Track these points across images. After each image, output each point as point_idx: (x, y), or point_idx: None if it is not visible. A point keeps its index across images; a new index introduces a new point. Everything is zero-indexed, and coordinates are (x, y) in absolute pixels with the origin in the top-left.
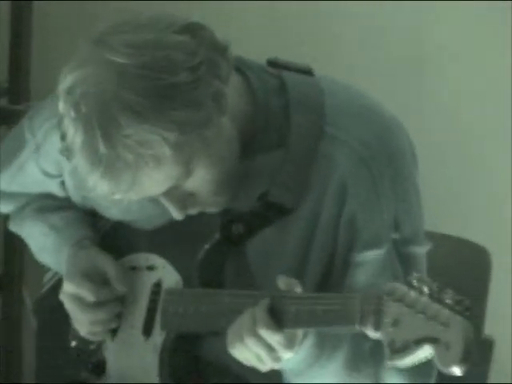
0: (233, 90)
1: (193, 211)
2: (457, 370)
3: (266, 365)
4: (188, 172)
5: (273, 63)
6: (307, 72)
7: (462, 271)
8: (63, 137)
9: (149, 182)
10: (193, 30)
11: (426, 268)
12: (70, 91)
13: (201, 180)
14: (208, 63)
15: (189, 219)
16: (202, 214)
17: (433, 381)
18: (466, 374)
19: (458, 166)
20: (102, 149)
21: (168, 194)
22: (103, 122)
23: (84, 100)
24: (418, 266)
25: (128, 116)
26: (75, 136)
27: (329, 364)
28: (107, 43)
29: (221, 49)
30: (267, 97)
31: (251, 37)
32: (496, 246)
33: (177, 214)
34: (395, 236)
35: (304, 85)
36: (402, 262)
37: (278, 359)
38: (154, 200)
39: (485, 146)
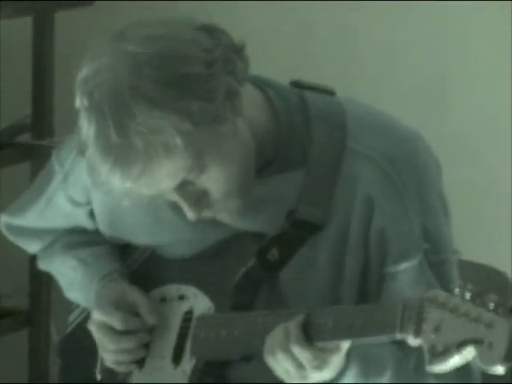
0: (252, 103)
1: (207, 213)
2: (500, 369)
3: (293, 381)
4: (200, 167)
5: (295, 84)
6: (329, 92)
7: None
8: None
9: (159, 171)
10: (210, 29)
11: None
12: (84, 81)
13: (214, 179)
14: (223, 61)
15: (221, 246)
16: (234, 241)
17: None
18: None
19: (477, 189)
20: (114, 136)
21: (181, 190)
22: (115, 108)
23: (97, 88)
24: (451, 274)
25: (140, 103)
26: (89, 126)
27: None
28: (123, 35)
29: (237, 49)
30: (288, 114)
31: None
32: None
33: (191, 213)
34: (425, 246)
35: (325, 103)
36: (435, 271)
37: (305, 378)
38: (180, 217)
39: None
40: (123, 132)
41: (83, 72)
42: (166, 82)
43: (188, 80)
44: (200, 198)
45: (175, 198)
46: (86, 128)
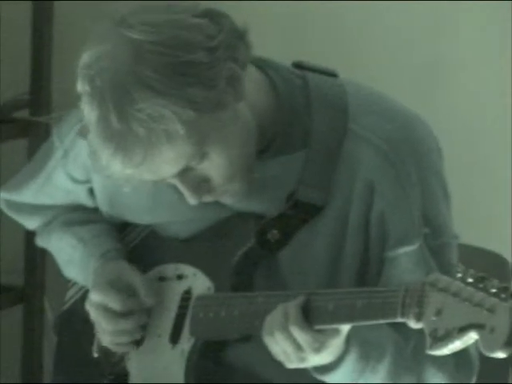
0: (254, 85)
1: (207, 198)
2: (501, 354)
3: (291, 363)
4: (201, 154)
5: (297, 66)
6: (331, 74)
7: None
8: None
9: (160, 158)
10: (212, 15)
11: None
12: (87, 67)
13: (215, 165)
14: (226, 46)
15: (221, 226)
16: (235, 221)
17: (473, 381)
18: None
19: (474, 174)
20: (115, 122)
21: (182, 176)
22: (117, 95)
23: (99, 75)
24: (451, 259)
25: (142, 90)
26: (91, 111)
27: (373, 376)
28: (126, 22)
29: (239, 34)
30: (290, 95)
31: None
32: None
33: (191, 199)
34: (425, 230)
35: (327, 85)
36: (435, 256)
37: (303, 359)
38: (180, 197)
39: (500, 152)
40: (124, 119)
41: (85, 57)
42: (167, 70)
43: (190, 67)
44: (201, 184)
45: (176, 183)
46: (88, 112)
